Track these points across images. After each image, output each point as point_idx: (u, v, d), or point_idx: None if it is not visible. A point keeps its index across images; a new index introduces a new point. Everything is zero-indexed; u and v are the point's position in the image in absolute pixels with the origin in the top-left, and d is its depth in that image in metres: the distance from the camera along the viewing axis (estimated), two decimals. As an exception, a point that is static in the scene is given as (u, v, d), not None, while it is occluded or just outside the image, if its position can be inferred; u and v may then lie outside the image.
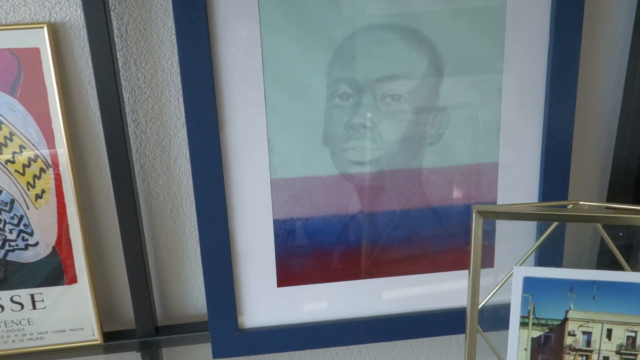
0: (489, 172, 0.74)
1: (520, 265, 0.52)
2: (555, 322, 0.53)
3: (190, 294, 0.82)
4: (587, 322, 0.52)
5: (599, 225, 0.53)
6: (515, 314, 0.53)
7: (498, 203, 0.75)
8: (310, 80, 0.68)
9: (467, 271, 0.75)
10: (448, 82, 0.70)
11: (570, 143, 0.73)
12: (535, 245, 0.59)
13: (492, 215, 0.50)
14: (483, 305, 0.60)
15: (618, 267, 0.55)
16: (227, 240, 0.71)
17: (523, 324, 0.54)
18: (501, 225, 0.75)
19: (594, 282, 0.51)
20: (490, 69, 0.70)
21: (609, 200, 0.81)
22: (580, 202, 0.54)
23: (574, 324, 0.53)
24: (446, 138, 0.72)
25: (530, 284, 0.51)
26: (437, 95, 0.70)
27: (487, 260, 0.77)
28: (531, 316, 0.52)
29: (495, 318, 0.69)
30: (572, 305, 0.52)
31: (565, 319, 0.53)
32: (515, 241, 0.77)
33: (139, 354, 0.76)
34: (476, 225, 0.51)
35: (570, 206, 0.55)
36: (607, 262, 0.77)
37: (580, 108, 0.77)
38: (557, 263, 0.74)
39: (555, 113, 0.72)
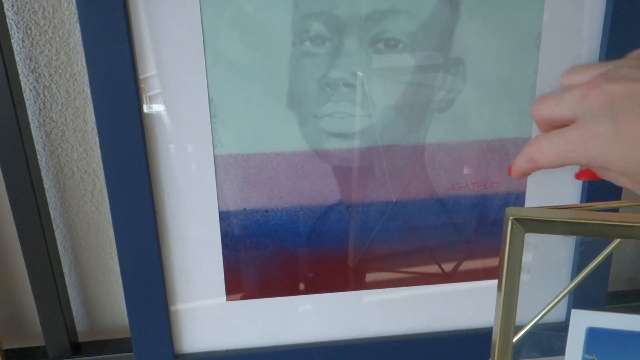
0: (518, 151, 0.54)
1: (558, 299, 0.32)
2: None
3: (123, 300, 0.63)
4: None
5: None
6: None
7: (527, 195, 0.55)
8: (268, 13, 0.47)
9: (483, 283, 0.57)
10: (467, 23, 0.49)
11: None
12: (592, 265, 0.40)
13: (540, 227, 0.31)
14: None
15: None
16: (155, 239, 0.52)
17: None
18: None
19: None
20: (526, 5, 0.50)
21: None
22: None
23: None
24: (461, 102, 0.52)
25: (598, 338, 0.32)
26: (450, 40, 0.50)
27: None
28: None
29: (534, 342, 0.52)
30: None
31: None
32: (549, 238, 0.58)
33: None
34: (513, 240, 0.31)
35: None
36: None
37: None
38: (601, 279, 0.55)
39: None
